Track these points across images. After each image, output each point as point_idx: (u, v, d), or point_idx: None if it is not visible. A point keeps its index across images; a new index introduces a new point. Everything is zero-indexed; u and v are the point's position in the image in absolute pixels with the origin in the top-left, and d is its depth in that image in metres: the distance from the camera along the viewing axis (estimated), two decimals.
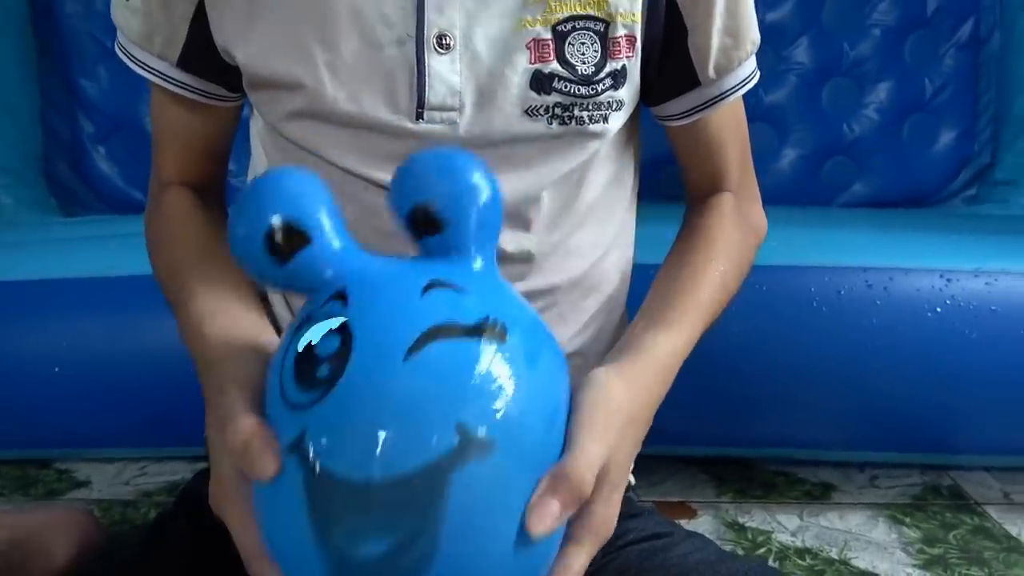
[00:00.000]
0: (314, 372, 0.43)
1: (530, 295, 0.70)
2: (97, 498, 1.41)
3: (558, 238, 0.71)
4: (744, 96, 0.75)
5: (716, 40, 0.69)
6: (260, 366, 0.51)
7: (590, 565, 0.49)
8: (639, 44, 0.67)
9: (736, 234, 0.74)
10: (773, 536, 1.31)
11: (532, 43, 0.64)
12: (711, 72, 0.71)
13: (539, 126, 0.66)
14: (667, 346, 0.61)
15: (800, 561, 1.24)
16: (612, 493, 0.50)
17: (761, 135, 2.04)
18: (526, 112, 0.65)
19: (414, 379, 0.42)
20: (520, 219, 0.69)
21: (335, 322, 0.44)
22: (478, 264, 0.49)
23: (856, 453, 1.49)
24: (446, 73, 0.64)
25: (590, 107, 0.67)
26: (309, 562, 0.43)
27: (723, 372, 1.28)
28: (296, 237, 0.46)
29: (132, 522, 1.34)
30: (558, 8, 0.64)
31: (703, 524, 1.34)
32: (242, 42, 0.66)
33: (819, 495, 1.44)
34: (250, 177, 0.80)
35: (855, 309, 1.30)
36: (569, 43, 0.65)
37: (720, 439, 1.43)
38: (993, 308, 1.30)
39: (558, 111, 0.66)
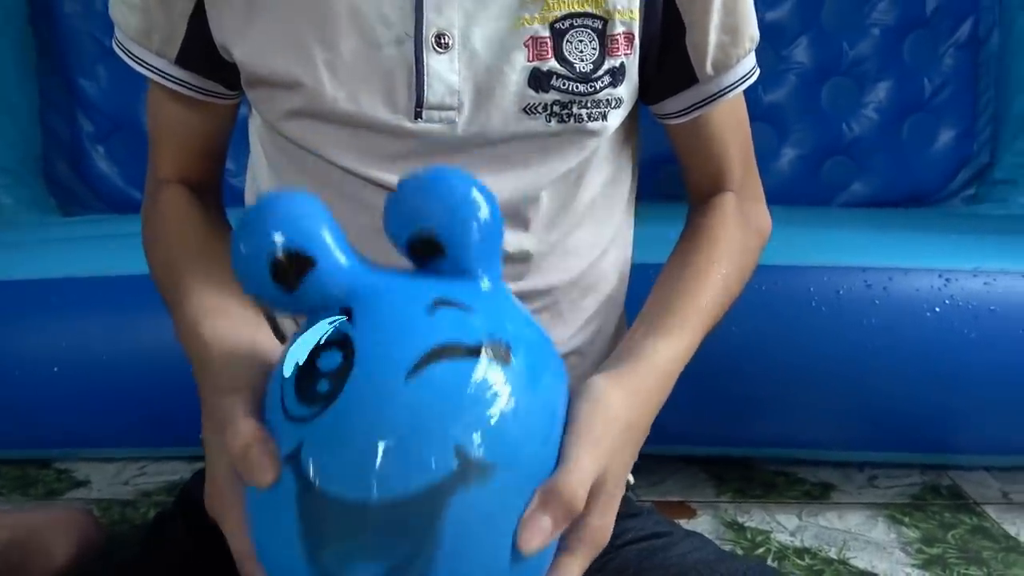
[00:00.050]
0: (315, 386, 0.43)
1: (528, 295, 0.70)
2: (96, 498, 1.41)
3: (556, 238, 0.71)
4: (744, 95, 0.75)
5: (714, 37, 0.69)
6: (259, 367, 0.51)
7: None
8: (637, 41, 0.67)
9: (739, 235, 0.73)
10: (772, 536, 1.31)
11: (530, 41, 0.64)
12: (709, 69, 0.70)
13: (537, 124, 0.66)
14: (667, 353, 0.60)
15: (799, 561, 1.24)
16: (607, 504, 0.49)
17: (760, 135, 2.03)
18: (524, 110, 0.65)
19: (414, 399, 0.42)
20: (519, 218, 0.69)
21: (339, 337, 0.44)
22: (485, 282, 0.48)
23: (855, 453, 1.49)
24: (445, 72, 0.64)
25: (589, 105, 0.66)
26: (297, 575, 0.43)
27: (722, 372, 1.28)
28: (301, 262, 0.45)
29: (131, 522, 1.34)
30: (556, 6, 0.64)
31: (702, 524, 1.34)
32: (240, 40, 0.66)
33: (818, 495, 1.44)
34: (249, 175, 0.79)
35: (854, 309, 1.30)
36: (567, 41, 0.65)
37: (719, 439, 1.44)
38: (992, 308, 1.30)
39: (556, 109, 0.66)
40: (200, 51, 0.69)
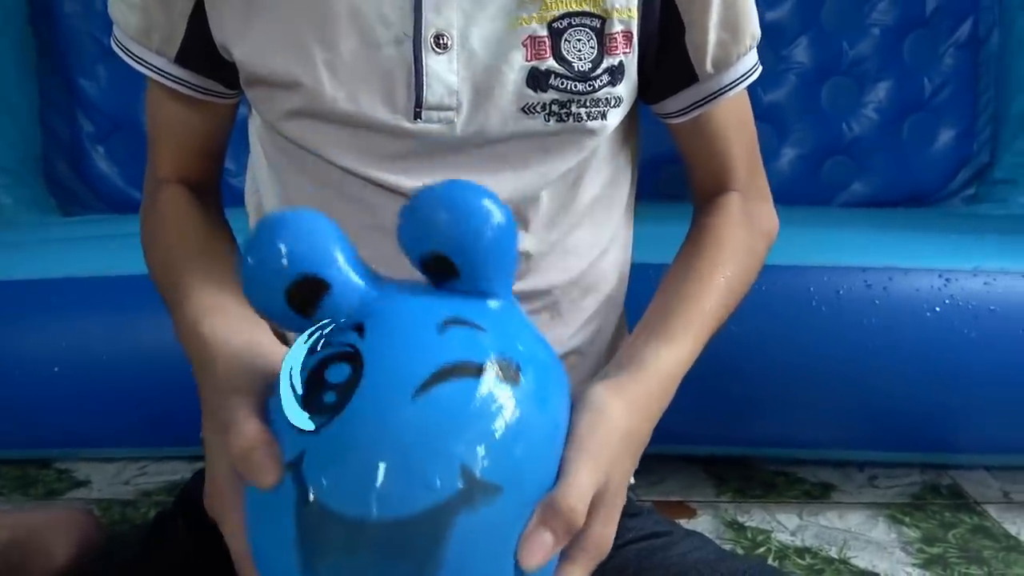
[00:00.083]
0: (321, 397, 0.42)
1: (528, 294, 0.70)
2: (97, 498, 1.41)
3: (556, 237, 0.71)
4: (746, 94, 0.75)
5: (713, 35, 0.69)
6: (260, 367, 0.51)
7: None
8: (636, 40, 0.67)
9: (744, 235, 0.72)
10: (772, 535, 1.31)
11: (528, 40, 0.64)
12: (709, 67, 0.70)
13: (536, 123, 0.66)
14: (669, 360, 0.60)
15: (800, 560, 1.24)
16: (608, 514, 0.49)
17: (760, 135, 2.02)
18: (523, 110, 0.65)
19: (421, 417, 0.41)
20: (518, 218, 0.69)
21: (348, 351, 0.43)
22: (497, 301, 0.47)
23: (856, 452, 1.49)
24: (443, 73, 0.64)
25: (588, 104, 0.66)
26: None
27: (723, 372, 1.28)
28: (316, 287, 0.45)
29: (132, 522, 1.34)
30: (554, 5, 0.64)
31: (702, 523, 1.34)
32: (240, 40, 0.66)
33: (818, 494, 1.44)
34: (249, 175, 0.79)
35: (854, 309, 1.30)
36: (565, 40, 0.65)
37: (720, 438, 1.44)
38: (992, 308, 1.30)
39: (555, 108, 0.66)
40: (200, 50, 0.69)
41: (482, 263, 0.46)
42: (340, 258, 0.45)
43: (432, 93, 0.64)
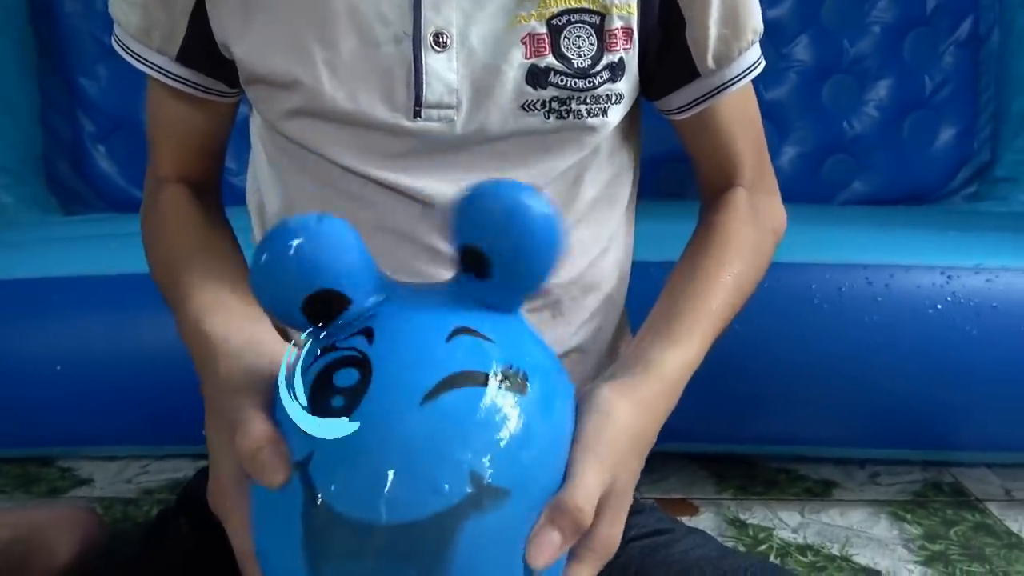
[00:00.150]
0: (328, 400, 0.43)
1: None
2: (99, 496, 1.41)
3: None
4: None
5: (714, 31, 0.69)
6: (263, 365, 0.51)
7: None
8: (636, 36, 0.67)
9: (751, 232, 0.72)
10: (774, 533, 1.31)
11: (527, 38, 0.64)
12: (710, 63, 0.70)
13: (536, 121, 0.66)
14: (675, 361, 0.59)
15: (801, 558, 1.24)
16: (615, 514, 0.49)
17: None
18: (523, 107, 0.65)
19: (429, 423, 0.41)
20: None
21: (357, 356, 0.43)
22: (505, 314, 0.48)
23: (857, 450, 1.49)
24: (443, 71, 0.64)
25: (588, 100, 0.66)
26: None
27: (724, 370, 1.27)
28: (336, 302, 0.45)
29: (134, 520, 1.34)
30: (553, 2, 0.64)
31: (705, 521, 1.34)
32: (239, 39, 0.66)
33: (820, 492, 1.44)
34: (250, 174, 0.79)
35: (856, 306, 1.30)
36: (564, 37, 0.65)
37: (722, 436, 1.43)
38: (994, 305, 1.30)
39: (555, 105, 0.66)
40: (201, 49, 0.69)
41: (522, 280, 0.46)
42: (362, 274, 0.46)
43: (432, 92, 0.64)
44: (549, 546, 0.43)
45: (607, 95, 0.67)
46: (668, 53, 0.69)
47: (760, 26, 0.71)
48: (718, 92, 0.71)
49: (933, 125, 2.15)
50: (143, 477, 1.47)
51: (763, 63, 0.73)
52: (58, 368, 1.35)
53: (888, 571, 1.21)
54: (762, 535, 1.30)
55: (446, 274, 0.55)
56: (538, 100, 0.65)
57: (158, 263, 0.70)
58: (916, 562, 1.23)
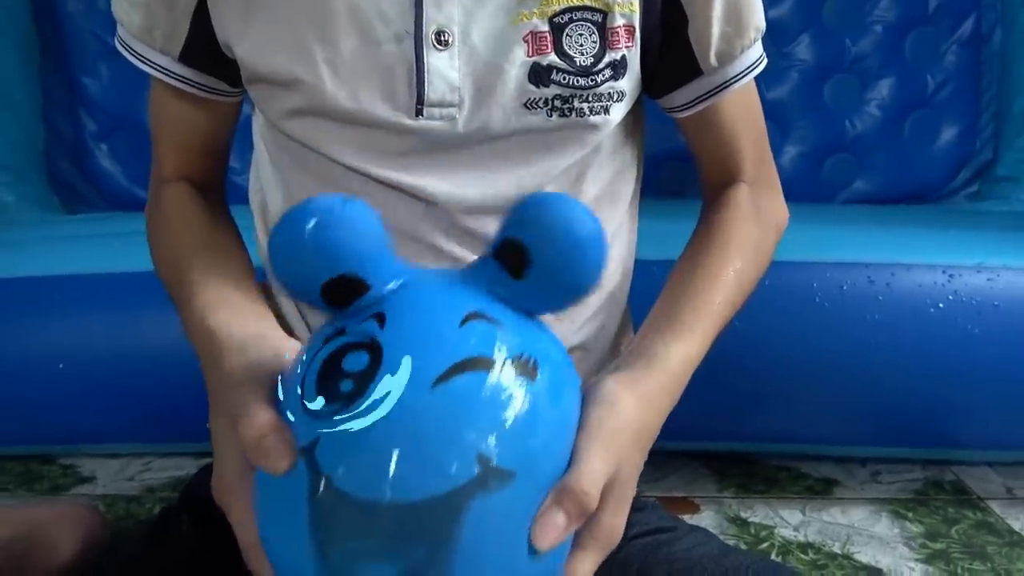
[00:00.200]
0: (338, 384, 0.43)
1: None
2: (101, 493, 1.41)
3: None
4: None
5: (717, 28, 0.69)
6: (268, 359, 0.51)
7: None
8: (638, 34, 0.67)
9: (752, 228, 0.72)
10: (776, 531, 1.31)
11: (529, 36, 0.64)
12: (713, 60, 0.70)
13: (538, 119, 0.66)
14: (678, 356, 0.60)
15: (803, 556, 1.24)
16: (619, 504, 0.49)
17: None
18: (525, 105, 0.65)
19: (439, 407, 0.42)
20: None
21: (367, 340, 0.44)
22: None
23: (858, 448, 1.49)
24: (445, 69, 0.64)
25: (590, 98, 0.66)
26: (304, 573, 0.42)
27: (726, 368, 1.28)
28: (355, 286, 0.46)
29: (136, 517, 1.34)
30: (554, 0, 0.64)
31: (706, 519, 1.34)
32: (240, 38, 0.66)
33: (821, 490, 1.44)
34: (253, 173, 0.79)
35: (857, 305, 1.30)
36: (567, 35, 0.65)
37: (723, 434, 1.44)
38: (995, 304, 1.30)
39: (557, 103, 0.66)
40: (203, 48, 0.69)
41: (558, 274, 0.46)
42: (383, 259, 0.46)
43: (433, 90, 0.64)
44: (554, 528, 0.44)
45: (609, 93, 0.67)
46: (670, 51, 0.69)
47: (762, 24, 0.71)
48: (721, 90, 0.71)
49: (935, 124, 2.15)
50: (145, 475, 1.47)
51: (765, 61, 0.73)
52: (60, 366, 1.36)
53: (889, 569, 1.21)
54: (763, 533, 1.30)
55: None
56: (540, 98, 0.65)
57: (163, 262, 0.70)
58: (917, 560, 1.23)
